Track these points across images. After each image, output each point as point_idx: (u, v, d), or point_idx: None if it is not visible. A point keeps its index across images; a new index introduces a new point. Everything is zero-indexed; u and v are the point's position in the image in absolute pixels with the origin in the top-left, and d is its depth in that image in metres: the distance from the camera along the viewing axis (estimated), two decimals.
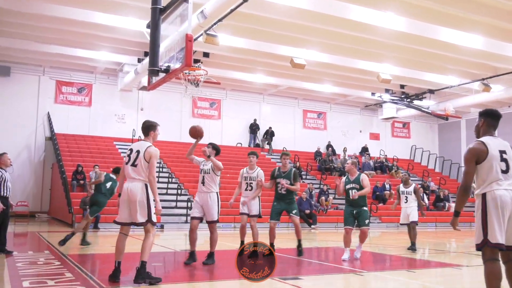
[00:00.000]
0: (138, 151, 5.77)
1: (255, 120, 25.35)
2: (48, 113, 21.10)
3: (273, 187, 8.64)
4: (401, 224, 10.69)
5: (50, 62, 20.85)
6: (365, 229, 8.27)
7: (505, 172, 4.08)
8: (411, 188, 10.34)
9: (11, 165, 8.71)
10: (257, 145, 24.96)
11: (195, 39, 13.49)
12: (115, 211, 9.84)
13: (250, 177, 8.49)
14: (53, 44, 18.05)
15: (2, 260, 7.58)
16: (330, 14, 13.37)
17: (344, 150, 25.70)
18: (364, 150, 27.25)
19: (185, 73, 13.91)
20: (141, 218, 5.60)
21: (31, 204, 20.05)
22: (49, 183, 20.67)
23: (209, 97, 24.45)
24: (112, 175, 9.83)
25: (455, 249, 12.37)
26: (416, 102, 24.27)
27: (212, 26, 13.64)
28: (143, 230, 5.76)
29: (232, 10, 12.58)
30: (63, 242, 9.26)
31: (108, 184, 9.70)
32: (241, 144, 24.88)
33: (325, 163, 24.22)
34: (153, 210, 5.66)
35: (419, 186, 18.27)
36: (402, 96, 24.13)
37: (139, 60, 18.72)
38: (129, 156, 5.83)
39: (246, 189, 8.47)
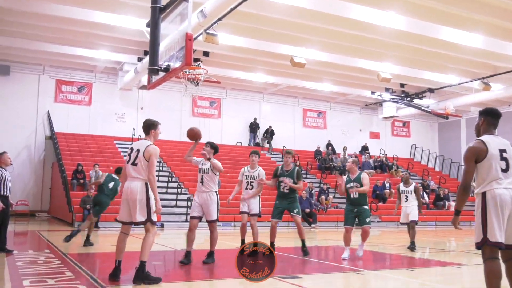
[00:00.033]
0: (138, 150, 5.76)
1: (255, 119, 25.35)
2: (48, 112, 21.09)
3: (275, 185, 8.61)
4: (401, 223, 10.69)
5: (50, 61, 20.84)
6: (366, 228, 8.25)
7: (505, 171, 4.07)
8: (411, 187, 10.31)
9: (11, 164, 8.71)
10: (257, 144, 24.96)
11: (195, 38, 13.48)
12: (115, 210, 9.91)
13: (251, 176, 8.48)
14: (53, 43, 18.04)
15: (2, 259, 7.59)
16: (330, 13, 13.36)
17: (344, 149, 25.71)
18: (364, 149, 27.24)
19: (185, 72, 13.90)
20: (140, 217, 5.59)
21: (31, 203, 20.05)
22: (49, 182, 20.68)
23: (209, 96, 24.45)
24: (114, 176, 9.83)
25: (455, 248, 12.38)
26: (416, 101, 24.27)
27: (212, 25, 13.64)
28: (144, 229, 5.76)
29: (232, 9, 12.58)
30: (68, 238, 9.35)
31: (111, 185, 9.70)
32: (241, 143, 24.88)
33: (325, 162, 24.22)
34: (153, 209, 5.64)
35: (419, 185, 18.28)
36: (402, 95, 24.13)
37: (139, 59, 18.71)
38: (129, 155, 5.83)
39: (246, 188, 8.47)
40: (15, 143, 19.88)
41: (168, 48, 8.74)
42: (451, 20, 14.01)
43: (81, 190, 16.84)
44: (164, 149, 19.31)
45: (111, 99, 22.51)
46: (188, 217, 7.53)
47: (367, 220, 8.22)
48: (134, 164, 5.71)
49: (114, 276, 5.63)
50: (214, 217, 7.22)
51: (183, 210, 16.61)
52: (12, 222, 12.98)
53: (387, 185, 22.25)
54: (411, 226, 10.17)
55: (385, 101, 25.46)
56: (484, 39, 15.38)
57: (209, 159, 7.24)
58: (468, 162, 4.14)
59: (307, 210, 17.82)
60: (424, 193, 21.55)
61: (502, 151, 4.11)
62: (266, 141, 25.19)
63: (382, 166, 25.87)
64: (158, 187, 5.81)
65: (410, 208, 10.21)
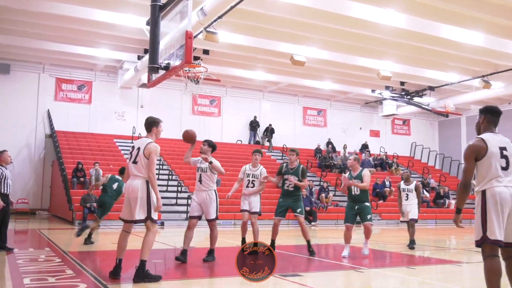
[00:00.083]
0: (139, 148, 5.76)
1: (255, 117, 25.35)
2: (48, 110, 21.09)
3: (280, 183, 8.58)
4: (401, 222, 10.69)
5: (50, 60, 20.83)
6: (367, 225, 8.21)
7: (505, 169, 4.06)
8: (412, 186, 10.29)
9: (12, 162, 8.71)
10: (257, 142, 24.97)
11: (195, 36, 13.46)
12: (116, 208, 9.93)
13: (253, 174, 8.46)
14: (53, 42, 18.04)
15: (3, 257, 7.59)
16: (330, 11, 13.35)
17: (344, 147, 25.72)
18: (364, 147, 27.25)
19: (185, 70, 13.88)
20: (140, 215, 5.57)
21: (32, 201, 20.06)
22: (49, 180, 20.69)
23: (209, 94, 24.44)
24: (118, 177, 9.84)
25: (455, 246, 12.39)
26: (416, 99, 24.27)
27: (212, 23, 13.63)
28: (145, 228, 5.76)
29: (232, 7, 12.57)
30: (79, 232, 9.53)
31: (115, 185, 9.71)
32: (241, 141, 24.89)
33: (325, 160, 24.23)
34: (153, 207, 5.64)
35: (419, 182, 18.33)
36: (402, 93, 24.13)
37: (139, 57, 18.71)
38: (131, 153, 5.84)
39: (248, 186, 8.46)
40: (15, 142, 19.88)
41: (168, 46, 8.74)
42: (451, 18, 14.00)
43: (81, 189, 16.85)
44: (164, 147, 19.31)
45: (111, 97, 22.51)
46: (188, 215, 7.50)
47: (368, 217, 8.18)
48: (134, 162, 5.72)
49: (115, 274, 5.63)
50: (214, 216, 7.20)
51: (183, 208, 16.62)
52: (12, 220, 12.99)
53: (387, 183, 22.26)
54: (410, 224, 10.17)
55: (385, 99, 25.46)
56: (485, 37, 15.37)
57: (210, 162, 7.18)
58: (468, 160, 4.13)
59: (307, 208, 17.83)
60: (424, 190, 21.56)
61: (502, 149, 4.10)
62: (266, 139, 25.20)
63: (382, 164, 25.89)
64: (158, 185, 5.80)
65: (410, 207, 10.20)
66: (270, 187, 18.17)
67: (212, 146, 7.46)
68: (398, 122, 29.94)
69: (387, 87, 23.72)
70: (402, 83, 23.07)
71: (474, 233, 4.06)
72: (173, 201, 17.10)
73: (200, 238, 10.72)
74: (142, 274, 5.52)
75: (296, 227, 15.29)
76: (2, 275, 6.25)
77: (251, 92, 25.48)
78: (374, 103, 27.64)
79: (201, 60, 16.88)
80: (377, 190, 21.59)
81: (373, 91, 24.26)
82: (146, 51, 17.60)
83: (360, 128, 28.68)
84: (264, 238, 8.67)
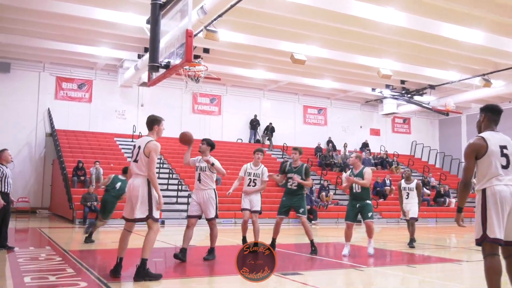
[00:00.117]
0: (139, 147, 5.77)
1: (255, 116, 25.34)
2: (49, 109, 21.10)
3: (283, 182, 8.57)
4: (404, 220, 10.66)
5: (50, 58, 20.83)
6: (369, 222, 8.17)
7: (505, 167, 4.05)
8: (413, 184, 10.26)
9: (12, 161, 8.71)
10: (258, 141, 24.97)
11: (195, 35, 13.46)
12: (117, 207, 9.94)
13: (254, 173, 8.44)
14: (53, 40, 18.04)
15: (3, 255, 7.61)
16: (330, 9, 13.34)
17: (345, 146, 25.72)
18: (365, 145, 27.24)
19: (185, 68, 13.91)
20: (139, 214, 5.57)
21: (32, 200, 20.08)
22: (50, 179, 20.70)
23: (210, 93, 24.42)
24: (121, 177, 9.85)
25: (455, 244, 12.39)
26: (416, 97, 24.24)
27: (212, 21, 13.62)
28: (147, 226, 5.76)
29: (232, 6, 12.56)
30: (88, 230, 9.74)
31: (118, 185, 9.73)
32: (242, 140, 24.89)
33: (326, 158, 24.23)
34: (155, 206, 5.64)
35: (420, 181, 18.35)
36: (403, 92, 24.11)
37: (139, 56, 18.71)
38: (132, 152, 5.85)
39: (249, 185, 8.44)
40: (15, 140, 19.89)
41: (168, 45, 8.74)
42: (452, 16, 13.98)
43: (82, 187, 16.85)
44: (165, 146, 19.30)
45: (112, 96, 22.51)
46: (187, 214, 7.48)
47: (369, 214, 8.15)
48: (135, 161, 5.72)
49: (115, 272, 5.64)
50: (213, 215, 7.18)
51: (184, 207, 16.62)
52: (13, 219, 13.00)
53: (387, 181, 22.26)
54: (410, 223, 10.16)
55: (385, 97, 25.45)
56: (485, 35, 15.35)
57: (212, 164, 7.17)
58: (468, 158, 4.13)
59: (308, 207, 17.82)
60: (424, 188, 21.55)
61: (502, 147, 4.10)
62: (267, 138, 25.20)
63: (383, 163, 25.89)
64: (159, 184, 5.80)
65: (411, 205, 10.18)
66: (270, 185, 18.18)
67: (210, 144, 7.43)
68: (398, 120, 29.93)
69: (387, 86, 23.72)
70: (403, 82, 23.07)
71: (474, 232, 4.06)
72: (174, 200, 17.10)
73: (201, 237, 10.73)
74: (142, 273, 5.52)
75: (296, 226, 15.32)
76: (3, 273, 6.26)
77: (251, 90, 25.48)
78: (374, 101, 27.63)
79: (202, 58, 16.91)
80: (378, 188, 21.59)
81: (373, 89, 24.25)
82: (146, 50, 17.61)
83: (361, 127, 28.68)
84: (264, 236, 8.68)
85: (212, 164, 7.16)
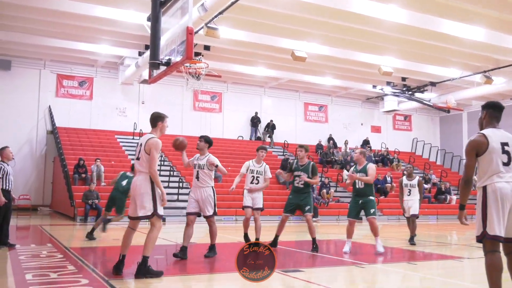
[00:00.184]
0: (141, 144, 5.77)
1: (256, 113, 25.34)
2: (49, 106, 21.11)
3: (290, 180, 8.57)
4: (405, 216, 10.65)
5: (51, 56, 20.83)
6: (371, 219, 8.13)
7: (506, 164, 4.05)
8: (415, 181, 10.24)
9: (13, 158, 8.72)
10: (258, 138, 24.97)
11: (196, 32, 13.46)
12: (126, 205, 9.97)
13: (257, 171, 8.43)
14: (54, 38, 18.04)
15: (5, 253, 7.62)
16: (331, 6, 13.33)
17: (346, 143, 25.71)
18: (366, 143, 27.24)
19: (186, 66, 13.90)
20: (141, 212, 5.57)
21: (33, 197, 20.10)
22: (51, 176, 20.72)
23: (210, 90, 24.41)
24: (129, 174, 9.91)
25: (456, 241, 12.40)
26: (417, 94, 24.22)
27: (213, 19, 13.61)
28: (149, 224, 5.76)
29: (232, 3, 12.55)
30: (104, 227, 9.77)
31: (124, 182, 9.77)
32: (243, 137, 24.88)
33: (327, 156, 24.23)
34: (159, 202, 5.62)
35: (421, 178, 18.40)
36: (404, 89, 24.08)
37: (140, 54, 18.69)
38: (136, 150, 5.85)
39: (252, 182, 8.43)
40: (16, 138, 19.91)
41: (169, 42, 8.73)
42: (453, 13, 13.95)
43: (83, 185, 16.87)
44: (166, 143, 19.28)
45: (112, 93, 22.51)
46: (186, 211, 7.45)
47: (372, 210, 8.11)
48: (138, 158, 5.73)
49: (117, 269, 5.64)
50: (211, 213, 7.16)
51: (185, 204, 16.51)
52: (14, 216, 13.02)
53: (388, 179, 22.26)
54: (411, 220, 10.15)
55: (386, 95, 25.41)
56: (486, 32, 15.32)
57: (216, 166, 7.17)
58: (469, 155, 4.13)
59: None
60: (425, 185, 21.56)
61: (504, 144, 4.09)
62: (268, 135, 25.20)
63: (384, 160, 25.88)
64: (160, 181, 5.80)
65: (412, 202, 10.18)
66: (272, 183, 18.18)
67: (208, 142, 7.41)
68: (399, 118, 29.91)
69: (388, 83, 23.67)
70: (404, 79, 23.03)
71: (475, 229, 4.07)
72: (175, 197, 17.10)
73: (201, 234, 10.74)
74: (144, 270, 5.53)
75: (297, 223, 15.34)
76: (4, 271, 6.27)
77: (252, 88, 25.47)
78: (375, 98, 27.60)
79: (202, 56, 16.87)
80: (378, 186, 21.58)
81: (374, 86, 24.23)
82: (147, 47, 17.58)
83: (361, 124, 28.66)
84: (267, 233, 8.69)
85: (216, 166, 7.17)
